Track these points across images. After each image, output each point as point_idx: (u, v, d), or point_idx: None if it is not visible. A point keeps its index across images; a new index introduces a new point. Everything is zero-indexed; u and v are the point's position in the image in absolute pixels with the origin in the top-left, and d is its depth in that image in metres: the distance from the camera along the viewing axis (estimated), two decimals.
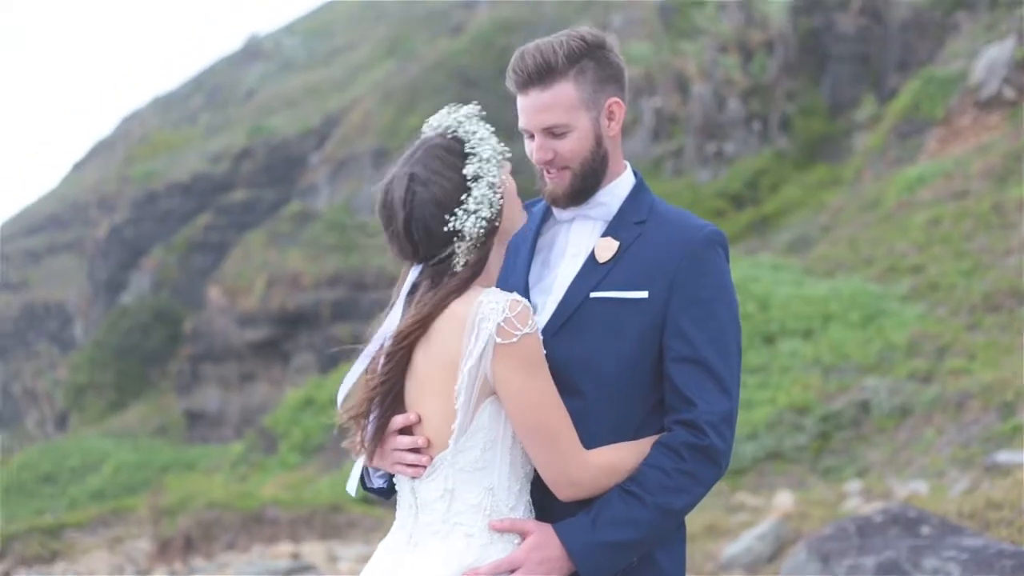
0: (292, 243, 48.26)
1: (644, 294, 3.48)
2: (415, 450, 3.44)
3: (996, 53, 29.61)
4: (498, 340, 3.27)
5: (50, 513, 38.12)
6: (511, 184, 3.45)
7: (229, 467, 34.10)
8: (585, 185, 3.59)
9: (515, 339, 3.27)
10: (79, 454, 48.03)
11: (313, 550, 18.85)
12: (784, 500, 15.01)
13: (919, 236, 23.61)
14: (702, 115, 41.84)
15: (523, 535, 3.42)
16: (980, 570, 8.71)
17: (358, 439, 3.52)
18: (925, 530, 9.49)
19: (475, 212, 3.34)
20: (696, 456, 3.42)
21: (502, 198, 3.40)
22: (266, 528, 21.98)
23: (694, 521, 15.18)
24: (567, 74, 3.53)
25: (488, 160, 3.37)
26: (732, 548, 13.08)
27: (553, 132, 3.54)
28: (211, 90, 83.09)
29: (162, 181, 64.51)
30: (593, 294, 3.50)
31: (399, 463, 3.46)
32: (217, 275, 52.55)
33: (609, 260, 3.54)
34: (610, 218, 3.62)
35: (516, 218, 3.48)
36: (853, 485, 15.53)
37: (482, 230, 3.36)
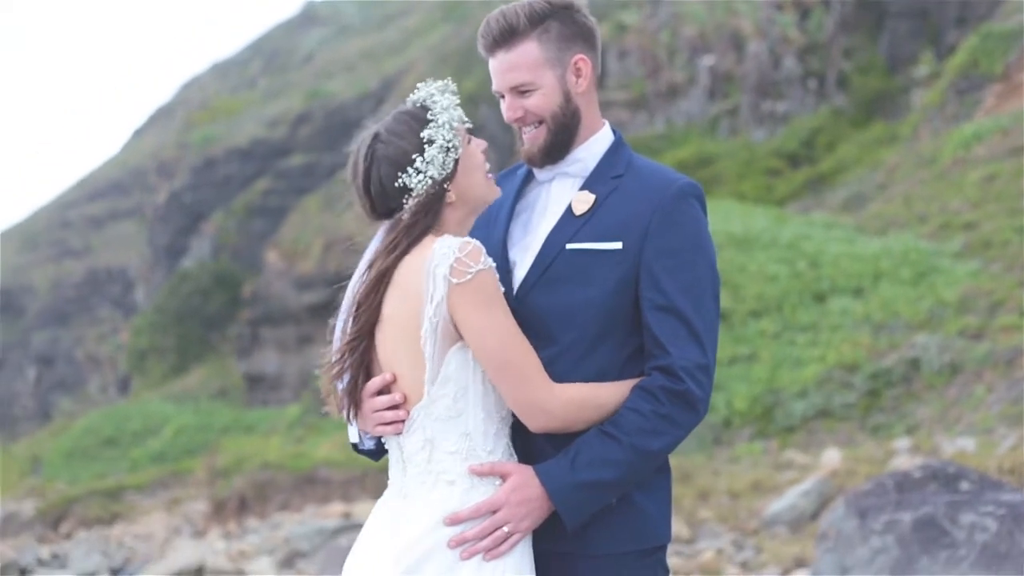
0: (348, 206, 48.29)
1: (618, 245, 3.56)
2: (394, 408, 3.53)
3: None
4: (453, 280, 3.38)
5: (112, 476, 38.55)
6: (477, 157, 3.61)
7: (286, 429, 34.39)
8: (558, 140, 3.67)
9: (469, 276, 3.38)
10: (141, 418, 48.50)
11: (364, 509, 18.98)
12: (832, 458, 14.96)
13: (973, 193, 23.36)
14: (757, 74, 41.53)
15: (503, 477, 3.49)
16: (1017, 525, 8.66)
17: (334, 399, 3.65)
18: (964, 486, 9.44)
19: (424, 171, 3.51)
20: (673, 400, 3.49)
21: (456, 163, 3.54)
22: (319, 488, 22.18)
23: (741, 478, 15.18)
24: (530, 34, 3.64)
25: (443, 125, 3.53)
26: (776, 505, 13.08)
27: (520, 91, 3.64)
28: (269, 55, 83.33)
29: (221, 146, 64.82)
30: (569, 245, 3.58)
31: (380, 423, 3.55)
32: (275, 239, 52.82)
33: (585, 213, 3.62)
34: (588, 174, 3.70)
35: (477, 188, 3.60)
36: (902, 443, 15.46)
37: (430, 189, 3.51)
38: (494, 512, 3.44)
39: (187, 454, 41.02)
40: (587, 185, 3.67)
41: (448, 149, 3.53)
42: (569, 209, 3.64)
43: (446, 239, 3.44)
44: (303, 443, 29.98)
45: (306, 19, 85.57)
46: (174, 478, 32.94)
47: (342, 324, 3.65)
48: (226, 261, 59.23)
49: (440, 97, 3.59)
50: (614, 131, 3.80)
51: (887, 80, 40.06)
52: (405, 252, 3.51)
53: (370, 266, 3.58)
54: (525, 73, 3.65)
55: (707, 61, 42.65)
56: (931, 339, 18.22)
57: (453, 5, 66.31)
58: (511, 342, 3.44)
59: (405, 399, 3.52)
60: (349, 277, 3.69)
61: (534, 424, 3.49)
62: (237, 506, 22.34)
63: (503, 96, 3.68)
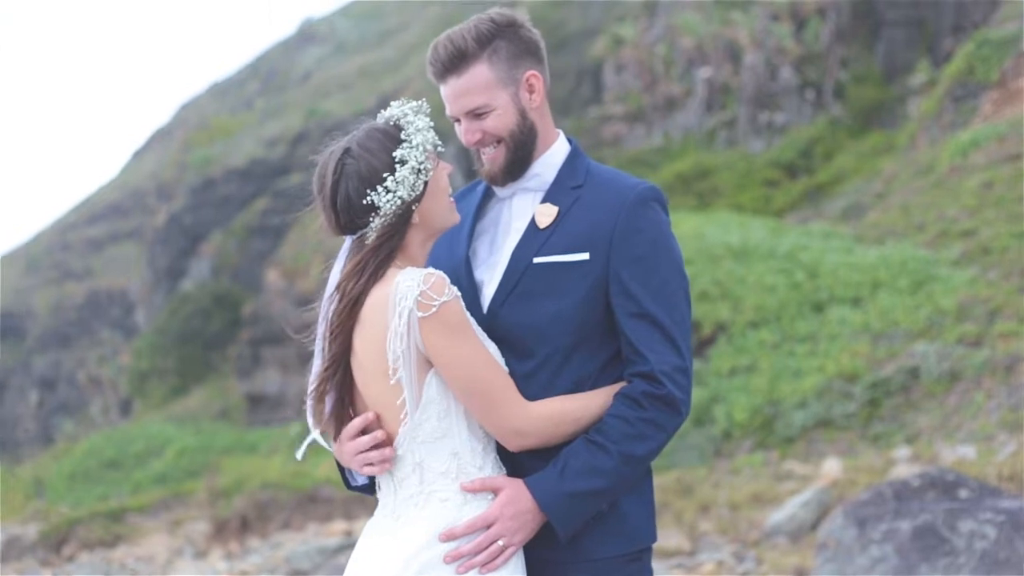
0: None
1: (585, 256, 3.60)
2: (379, 447, 3.58)
3: None
4: (419, 314, 3.42)
5: (114, 498, 38.50)
6: (443, 183, 3.63)
7: (287, 448, 34.34)
8: (518, 157, 3.71)
9: (434, 308, 3.42)
10: (143, 439, 48.44)
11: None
12: (832, 468, 14.94)
13: (971, 200, 23.35)
14: (754, 85, 41.54)
15: (495, 492, 3.54)
16: (1016, 532, 8.64)
17: (320, 420, 3.72)
18: (963, 493, 9.42)
19: (394, 191, 3.52)
20: (655, 404, 3.54)
21: (425, 185, 3.56)
22: (320, 507, 22.15)
23: (741, 490, 15.14)
24: (479, 56, 3.67)
25: (417, 147, 3.55)
26: (776, 516, 13.05)
27: (476, 114, 3.69)
28: (267, 75, 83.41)
29: (219, 167, 64.85)
30: (536, 259, 3.63)
31: (365, 464, 3.60)
32: (275, 258, 52.84)
33: (549, 225, 3.66)
34: (548, 187, 3.73)
35: (441, 212, 3.63)
36: (902, 451, 15.43)
37: (398, 209, 3.53)
38: (488, 527, 3.49)
39: (189, 475, 40.96)
40: (548, 198, 3.70)
41: (419, 171, 3.54)
42: (533, 223, 3.67)
43: (409, 272, 3.47)
44: (304, 462, 29.94)
45: (303, 38, 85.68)
46: (176, 499, 32.86)
47: (319, 350, 3.66)
48: (226, 281, 59.23)
49: (414, 118, 3.61)
50: (569, 140, 3.84)
51: (884, 89, 40.07)
52: (374, 276, 3.52)
53: (338, 288, 3.59)
54: (479, 96, 3.67)
55: (704, 73, 42.67)
56: (930, 347, 18.19)
57: (450, 20, 66.42)
58: (479, 369, 3.47)
59: (388, 437, 3.56)
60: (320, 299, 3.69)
61: (511, 445, 3.55)
62: (238, 526, 22.30)
63: (458, 121, 3.71)
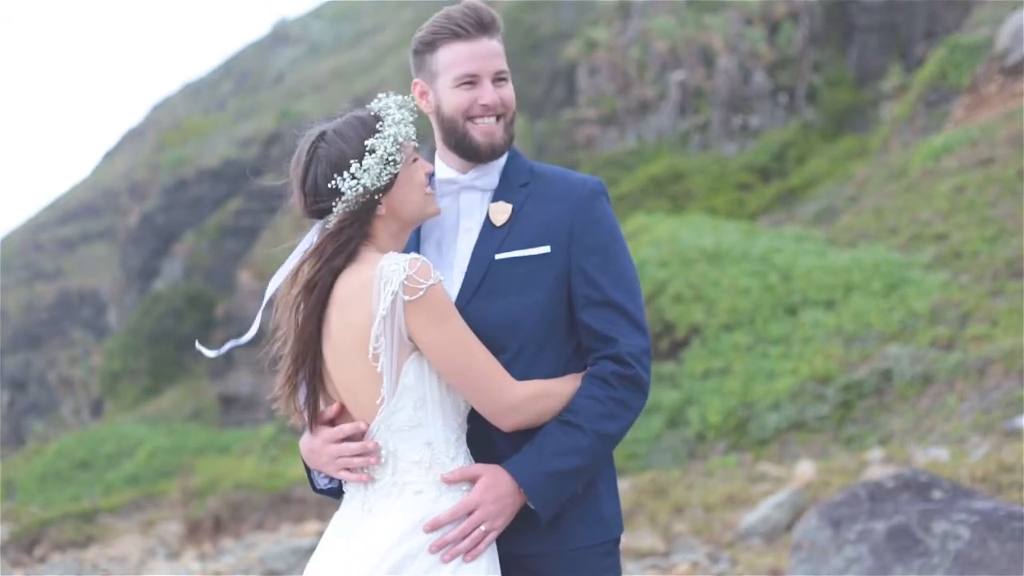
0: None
1: (547, 249, 3.69)
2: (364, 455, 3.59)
3: (1021, 19, 29.37)
4: (405, 298, 3.44)
5: (86, 499, 38.36)
6: (418, 176, 3.65)
7: (260, 449, 34.28)
8: (509, 135, 3.81)
9: (421, 292, 3.44)
10: (114, 440, 48.26)
11: None
12: (806, 469, 15.00)
13: (943, 204, 23.47)
14: (728, 88, 41.66)
15: (472, 481, 3.58)
16: (990, 532, 8.69)
17: (292, 406, 3.74)
18: (936, 494, 9.48)
19: (359, 179, 3.54)
20: (625, 384, 3.64)
21: (393, 177, 3.57)
22: (294, 507, 22.12)
23: (715, 491, 15.20)
24: (498, 34, 3.81)
25: (388, 138, 3.57)
26: (750, 517, 13.10)
27: (500, 77, 3.77)
28: (240, 75, 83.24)
29: (192, 167, 64.69)
30: (498, 256, 3.70)
31: (345, 468, 3.61)
32: (248, 259, 52.75)
33: (506, 223, 3.73)
34: (494, 186, 3.80)
35: (412, 205, 3.64)
36: (875, 453, 15.51)
37: (360, 197, 3.55)
38: (470, 512, 3.52)
39: (161, 476, 40.84)
40: (499, 196, 3.77)
41: (387, 162, 3.56)
42: (488, 221, 3.74)
43: (393, 256, 3.48)
44: (277, 463, 29.89)
45: (277, 39, 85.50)
46: (148, 500, 32.74)
47: (284, 339, 3.69)
48: (199, 282, 59.06)
49: (395, 111, 3.63)
50: None
51: (856, 93, 40.24)
52: (332, 261, 3.55)
53: (295, 272, 3.63)
54: (504, 63, 3.78)
55: (677, 76, 42.77)
56: (903, 350, 18.28)
57: (423, 23, 66.39)
58: (471, 351, 3.50)
59: (376, 446, 3.55)
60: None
61: (506, 423, 3.59)
62: (212, 527, 22.26)
63: (471, 83, 3.73)
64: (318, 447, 3.66)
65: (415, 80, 3.86)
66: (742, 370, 19.90)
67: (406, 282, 3.42)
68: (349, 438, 3.60)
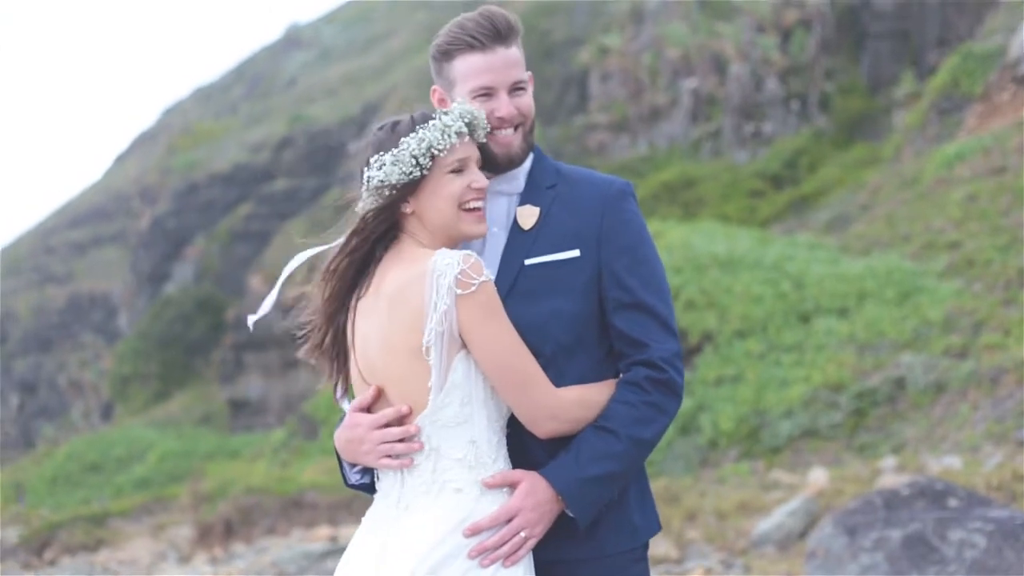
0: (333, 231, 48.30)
1: (576, 252, 3.65)
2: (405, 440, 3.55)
3: None
4: (458, 291, 3.41)
5: (96, 502, 38.40)
6: (451, 188, 3.56)
7: (271, 453, 34.28)
8: (528, 144, 3.76)
9: (474, 288, 3.41)
10: (124, 444, 48.33)
11: (351, 533, 18.93)
12: (818, 477, 14.98)
13: (956, 212, 23.44)
14: (740, 96, 41.66)
15: (513, 485, 3.54)
16: (1006, 541, 8.67)
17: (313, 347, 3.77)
18: (952, 502, 9.45)
19: (378, 170, 3.52)
20: (659, 388, 3.60)
21: (412, 178, 3.52)
22: (305, 512, 22.12)
23: (728, 498, 15.17)
24: (518, 40, 3.74)
25: (421, 141, 3.51)
26: (763, 525, 13.08)
27: (517, 87, 3.71)
28: (252, 80, 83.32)
29: (203, 171, 64.78)
30: (528, 261, 3.65)
31: (387, 456, 3.55)
32: (258, 264, 52.80)
33: (534, 227, 3.68)
34: (520, 190, 3.75)
35: (438, 216, 3.57)
36: (888, 461, 15.48)
37: (377, 190, 3.53)
38: (511, 519, 3.49)
39: (171, 480, 40.90)
40: (526, 199, 3.73)
41: (411, 163, 3.51)
42: (516, 225, 3.69)
43: (446, 251, 3.46)
44: (288, 467, 29.92)
45: (289, 43, 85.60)
46: (158, 504, 32.79)
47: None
48: (209, 286, 59.14)
49: (446, 118, 3.55)
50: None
51: (869, 101, 40.21)
52: (355, 253, 3.60)
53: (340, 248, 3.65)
54: (521, 71, 3.72)
55: (690, 83, 42.79)
56: (916, 358, 18.25)
57: (437, 26, 66.12)
58: (516, 351, 3.48)
59: (418, 430, 3.51)
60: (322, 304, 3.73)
61: (542, 430, 3.56)
62: (223, 531, 22.27)
63: (487, 95, 3.68)
64: (361, 435, 3.59)
65: (434, 86, 3.81)
66: (754, 377, 19.88)
67: (460, 276, 3.40)
68: (390, 424, 3.56)
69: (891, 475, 14.31)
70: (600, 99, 45.38)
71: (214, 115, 79.32)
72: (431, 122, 3.53)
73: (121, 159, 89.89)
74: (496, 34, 3.68)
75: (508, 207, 3.73)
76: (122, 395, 58.83)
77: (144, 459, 45.82)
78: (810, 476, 15.32)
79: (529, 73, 3.78)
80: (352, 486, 3.80)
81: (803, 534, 12.55)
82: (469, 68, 3.69)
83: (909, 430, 16.99)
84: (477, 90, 3.68)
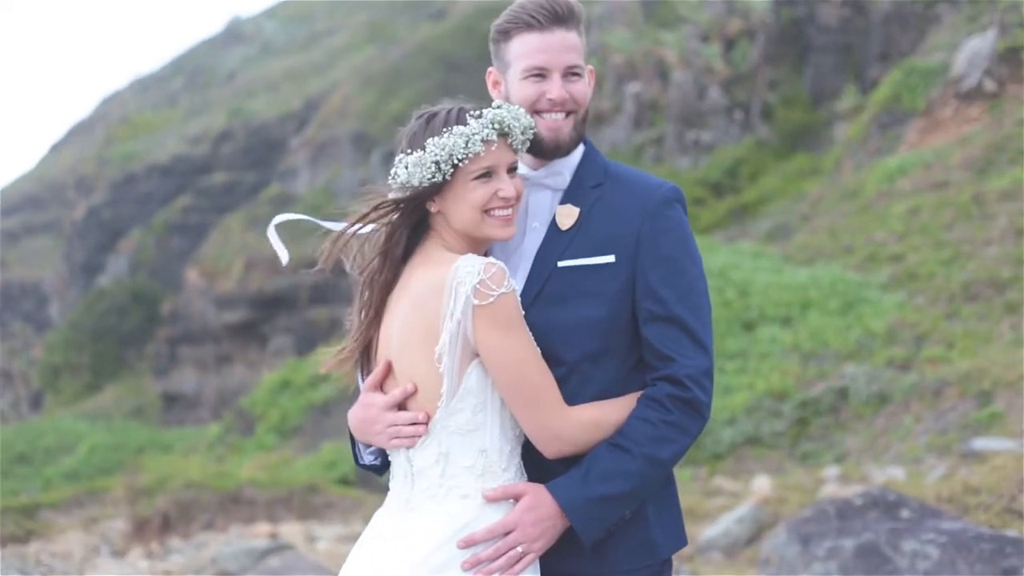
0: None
1: (611, 258, 3.52)
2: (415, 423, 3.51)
3: (977, 45, 29.67)
4: (475, 302, 3.35)
5: (25, 494, 37.97)
6: (474, 195, 3.49)
7: (206, 448, 34.07)
8: (578, 134, 3.64)
9: (491, 299, 3.35)
10: (54, 435, 47.83)
11: (291, 530, 18.84)
12: (762, 485, 15.06)
13: (898, 226, 23.66)
14: (682, 103, 41.82)
15: (516, 499, 3.46)
16: (959, 553, 8.75)
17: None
18: (904, 513, 9.54)
19: (404, 169, 3.48)
20: (681, 407, 3.48)
21: (433, 184, 3.46)
22: (244, 508, 21.96)
23: None
24: (578, 26, 3.66)
25: (443, 147, 3.44)
26: (710, 531, 13.13)
27: (572, 72, 3.61)
28: (191, 72, 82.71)
29: (141, 163, 64.25)
30: (560, 263, 3.54)
31: (397, 436, 3.50)
32: (195, 257, 52.41)
33: (572, 227, 3.57)
34: (565, 186, 3.64)
35: (461, 220, 3.52)
36: (831, 471, 15.59)
37: (402, 187, 3.48)
38: (507, 533, 3.42)
39: (102, 472, 40.48)
40: (568, 198, 3.62)
41: (431, 167, 3.45)
42: (554, 224, 3.58)
43: (470, 258, 3.40)
44: (224, 463, 29.71)
45: (230, 37, 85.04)
46: (90, 497, 32.44)
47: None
48: (144, 279, 58.66)
49: (474, 123, 3.47)
50: (585, 139, 3.73)
51: (810, 113, 40.49)
52: (392, 251, 3.55)
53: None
54: (579, 57, 3.63)
55: (632, 88, 42.91)
56: (859, 369, 18.42)
57: (379, 26, 66.27)
58: (528, 367, 3.40)
59: (427, 416, 3.48)
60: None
61: (548, 450, 3.47)
62: (160, 525, 22.08)
63: (540, 75, 3.60)
64: (374, 415, 3.54)
65: (490, 69, 3.72)
66: None
67: (478, 286, 3.34)
68: (401, 405, 3.53)
69: (835, 484, 14.42)
70: None
71: (153, 106, 78.67)
72: (457, 128, 3.44)
73: (56, 148, 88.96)
74: (555, 16, 3.59)
75: (552, 202, 3.63)
76: (52, 385, 58.24)
77: (74, 451, 45.36)
78: (753, 484, 15.40)
79: (590, 67, 3.67)
80: (363, 466, 3.75)
81: (750, 541, 12.62)
82: (524, 47, 3.60)
83: (851, 440, 17.14)
84: (530, 70, 3.59)
